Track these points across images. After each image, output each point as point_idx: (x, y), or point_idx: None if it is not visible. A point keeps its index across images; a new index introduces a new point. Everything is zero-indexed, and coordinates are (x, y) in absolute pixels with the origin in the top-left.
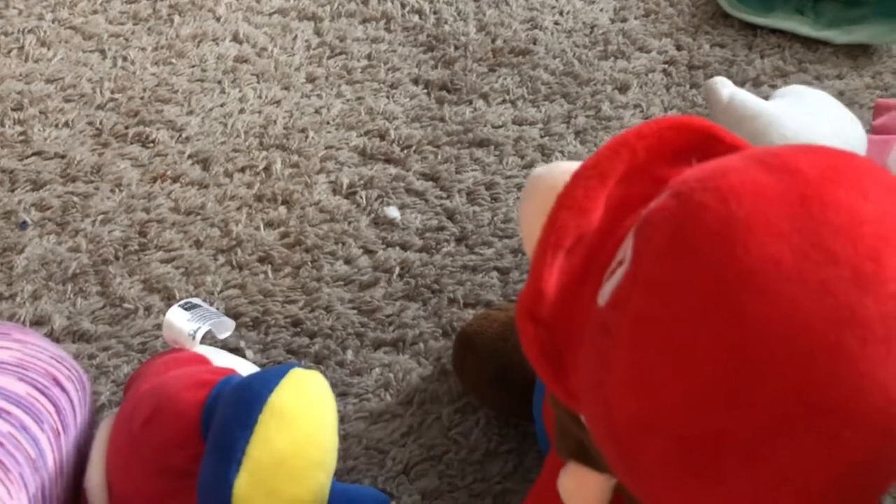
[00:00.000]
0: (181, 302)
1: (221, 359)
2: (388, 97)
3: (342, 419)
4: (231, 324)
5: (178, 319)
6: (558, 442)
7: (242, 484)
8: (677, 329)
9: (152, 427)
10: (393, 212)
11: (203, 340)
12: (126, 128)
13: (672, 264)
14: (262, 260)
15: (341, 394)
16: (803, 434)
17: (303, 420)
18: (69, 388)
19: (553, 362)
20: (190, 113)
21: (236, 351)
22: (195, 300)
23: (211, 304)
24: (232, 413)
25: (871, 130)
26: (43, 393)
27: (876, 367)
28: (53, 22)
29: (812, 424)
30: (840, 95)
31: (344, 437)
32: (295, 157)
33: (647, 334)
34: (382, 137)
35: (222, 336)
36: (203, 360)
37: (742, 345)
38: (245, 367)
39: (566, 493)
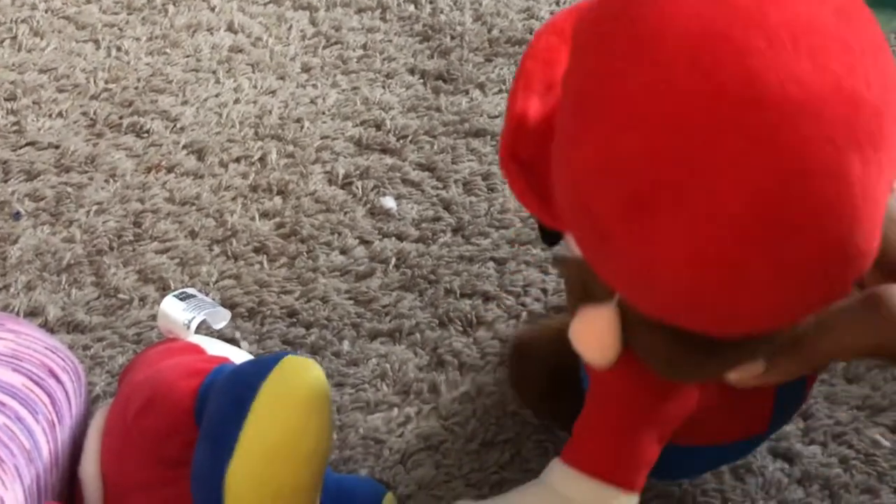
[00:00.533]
0: (176, 292)
1: (216, 348)
2: (383, 87)
3: (339, 409)
4: (227, 314)
5: (173, 309)
6: (567, 299)
7: (234, 473)
8: (604, 69)
9: (146, 416)
10: (389, 202)
11: (199, 330)
12: (120, 118)
13: (591, 21)
14: (257, 250)
15: (337, 384)
16: (731, 139)
17: (296, 408)
18: (64, 379)
19: (538, 193)
20: (184, 103)
21: (232, 341)
22: (190, 290)
23: (206, 295)
24: (224, 401)
25: None
26: (38, 384)
27: (787, 62)
28: (47, 12)
29: (738, 123)
30: None
31: (340, 428)
32: (290, 148)
33: (582, 84)
34: (378, 127)
35: (218, 326)
36: (197, 350)
37: (656, 60)
38: (239, 356)
39: (577, 337)
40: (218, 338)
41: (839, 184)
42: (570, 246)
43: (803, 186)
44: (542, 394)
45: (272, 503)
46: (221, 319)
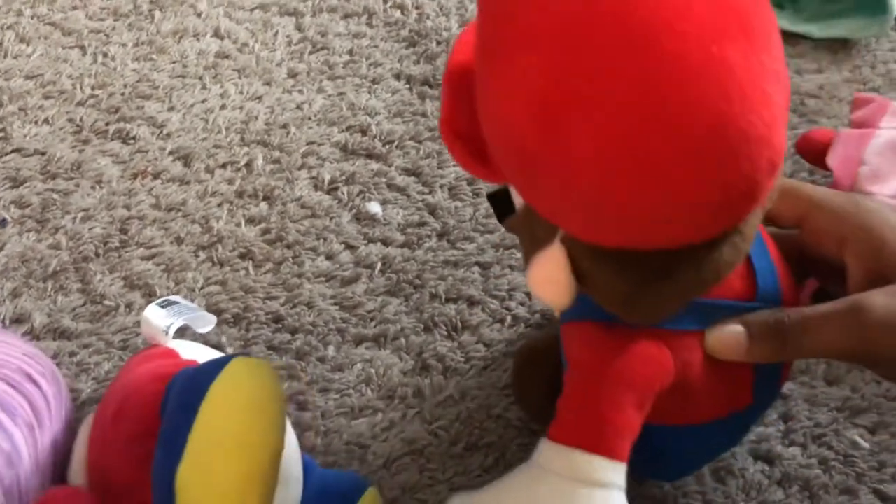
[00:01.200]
0: (159, 300)
1: (191, 352)
2: (369, 93)
3: (323, 415)
4: (212, 319)
5: (154, 316)
6: (523, 259)
7: (183, 473)
8: (502, 8)
9: (121, 420)
10: (374, 207)
11: (189, 337)
12: (106, 124)
13: None
14: (243, 256)
15: (323, 389)
16: (616, 44)
17: (242, 404)
18: (42, 384)
19: (478, 157)
20: (171, 109)
21: (218, 347)
22: (174, 297)
23: (192, 301)
24: (176, 404)
25: (850, 124)
26: (16, 388)
27: None
28: (32, 18)
29: (619, 31)
30: (820, 89)
31: (325, 433)
32: (276, 153)
33: (485, 24)
34: (364, 133)
35: (202, 330)
36: (172, 355)
37: None
38: (210, 357)
39: (533, 284)
40: (203, 343)
41: (719, 68)
42: (516, 202)
43: (685, 72)
44: (544, 400)
45: (221, 501)
46: (206, 324)
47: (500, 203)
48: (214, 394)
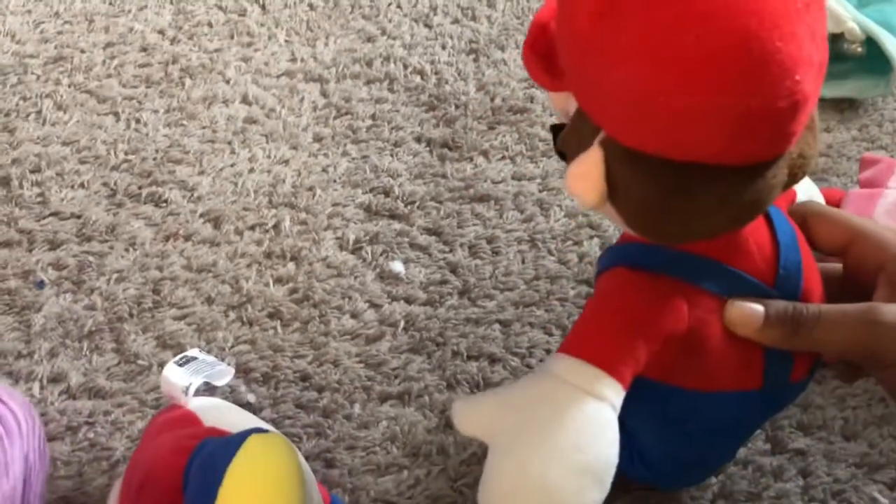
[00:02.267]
0: (177, 357)
1: (212, 416)
2: (392, 155)
3: (350, 472)
4: (229, 371)
5: (173, 375)
6: (569, 158)
7: None
8: None
9: (144, 494)
10: (398, 266)
11: (217, 392)
12: (139, 188)
13: None
14: (271, 315)
15: (349, 447)
16: None
17: (260, 484)
18: (10, 404)
19: (550, 73)
20: (201, 173)
21: (248, 406)
22: (192, 352)
23: (221, 358)
24: (195, 487)
25: (859, 184)
26: None
27: None
28: (70, 86)
29: None
30: (828, 148)
31: (352, 491)
32: (303, 215)
33: None
34: (387, 194)
35: (220, 383)
36: (193, 421)
37: None
38: (235, 421)
39: (569, 180)
40: (233, 401)
41: None
42: (570, 111)
43: None
44: None
45: None
46: (224, 377)
47: (558, 132)
48: (232, 475)
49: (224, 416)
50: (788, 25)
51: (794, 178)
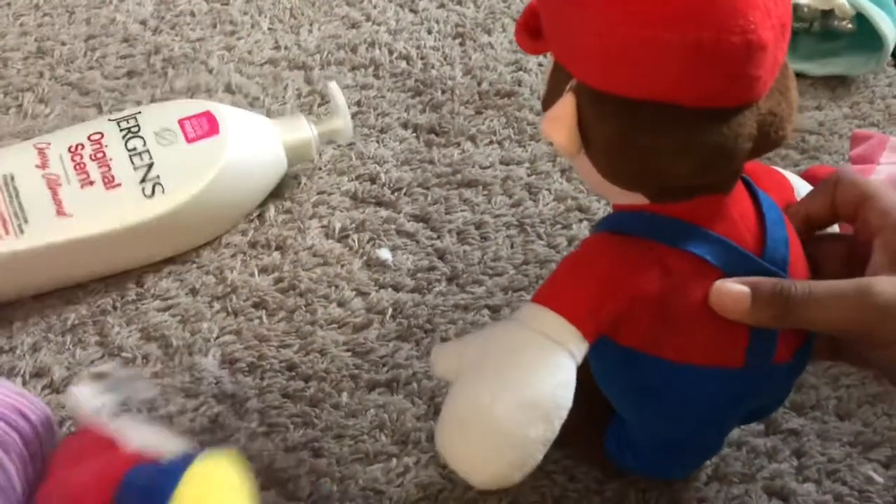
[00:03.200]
0: (88, 374)
1: (133, 437)
2: (378, 142)
3: (338, 461)
4: (150, 386)
5: (83, 395)
6: (547, 102)
7: None
8: None
9: None
10: (385, 254)
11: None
12: None
13: None
14: (256, 305)
15: (337, 436)
16: None
17: None
18: (34, 420)
19: (532, 37)
20: None
21: (233, 397)
22: (106, 367)
23: (202, 347)
24: None
25: (850, 160)
26: (9, 423)
27: None
28: (51, 79)
29: None
30: (820, 126)
31: (340, 480)
32: (288, 204)
33: None
34: (373, 181)
35: (141, 398)
36: (109, 446)
37: None
38: (159, 443)
39: (545, 119)
40: (220, 392)
41: None
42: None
43: None
44: (576, 419)
45: None
46: (144, 393)
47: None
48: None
49: (147, 436)
50: None
51: (766, 137)
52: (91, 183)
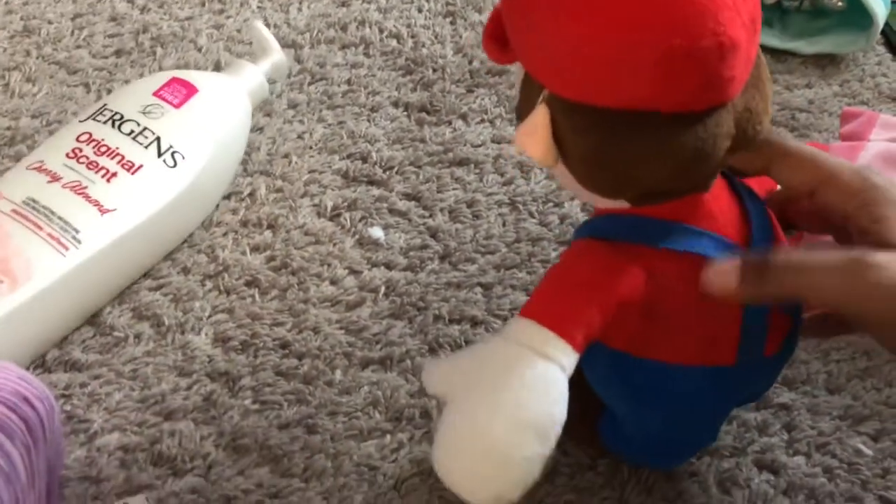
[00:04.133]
0: None
1: None
2: (368, 120)
3: (332, 438)
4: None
5: None
6: (519, 112)
7: None
8: None
9: None
10: (377, 232)
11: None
12: None
13: None
14: (249, 284)
15: (331, 413)
16: None
17: None
18: (38, 406)
19: (502, 47)
20: None
21: (226, 375)
22: (132, 502)
23: (194, 326)
24: None
25: (840, 137)
26: (13, 410)
27: None
28: (38, 58)
29: None
30: (810, 104)
31: (335, 456)
32: (279, 182)
33: None
34: (365, 160)
35: None
36: None
37: None
38: None
39: (519, 133)
40: (212, 370)
41: None
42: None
43: None
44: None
45: None
46: None
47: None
48: None
49: None
50: None
51: (744, 133)
52: (114, 174)
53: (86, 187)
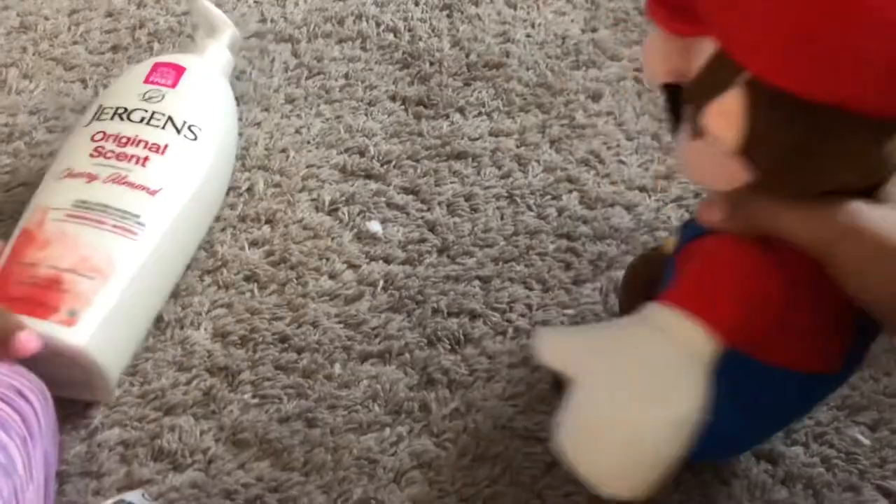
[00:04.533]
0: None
1: None
2: (366, 114)
3: (332, 431)
4: None
5: None
6: (696, 109)
7: None
8: None
9: None
10: (375, 226)
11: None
12: None
13: None
14: (247, 279)
15: (330, 406)
16: None
17: None
18: (32, 399)
19: (679, 18)
20: None
21: (226, 370)
22: (129, 496)
23: (193, 320)
24: None
25: None
26: (8, 404)
27: None
28: (35, 55)
29: None
30: None
31: (335, 450)
32: (277, 177)
33: None
34: (362, 154)
35: None
36: None
37: None
38: None
39: (710, 113)
40: (211, 365)
41: None
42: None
43: None
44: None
45: None
46: None
47: (672, 91)
48: None
49: None
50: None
51: None
52: (147, 159)
53: (125, 176)
